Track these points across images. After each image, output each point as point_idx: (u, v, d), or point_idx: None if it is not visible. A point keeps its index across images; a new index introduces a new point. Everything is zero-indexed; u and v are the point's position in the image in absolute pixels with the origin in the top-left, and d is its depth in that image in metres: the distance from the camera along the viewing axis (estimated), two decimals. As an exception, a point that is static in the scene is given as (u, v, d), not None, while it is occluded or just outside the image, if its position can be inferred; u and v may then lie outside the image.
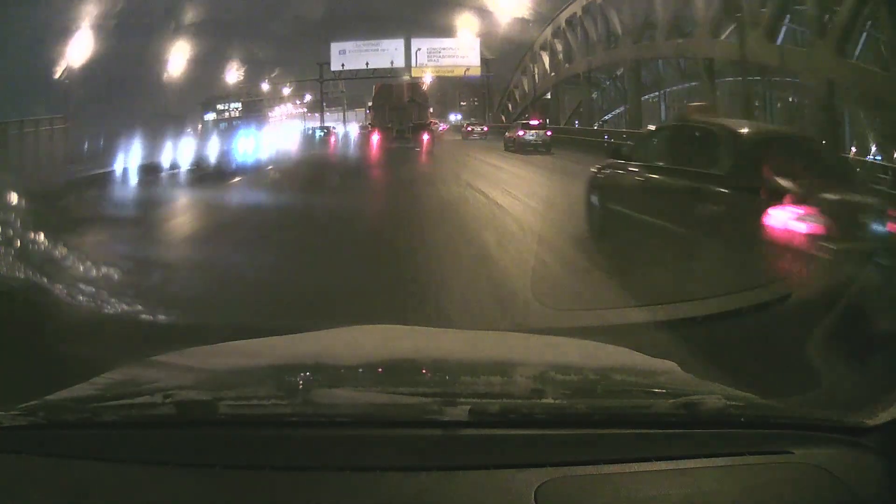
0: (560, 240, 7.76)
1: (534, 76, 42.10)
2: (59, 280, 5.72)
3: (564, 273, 6.28)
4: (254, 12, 41.43)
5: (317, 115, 53.10)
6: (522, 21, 40.22)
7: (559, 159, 21.06)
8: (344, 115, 57.38)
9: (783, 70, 20.14)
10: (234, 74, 48.23)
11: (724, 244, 5.06)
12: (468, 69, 48.55)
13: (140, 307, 4.86)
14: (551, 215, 9.27)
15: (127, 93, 28.55)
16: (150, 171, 18.18)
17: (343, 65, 48.02)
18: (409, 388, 1.70)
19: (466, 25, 46.30)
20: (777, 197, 4.80)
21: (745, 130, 6.25)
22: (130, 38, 28.47)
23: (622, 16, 29.67)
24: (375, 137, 31.38)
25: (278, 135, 39.73)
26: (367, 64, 47.40)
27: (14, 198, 9.66)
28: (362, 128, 45.92)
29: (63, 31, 24.38)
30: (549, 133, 25.83)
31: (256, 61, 47.84)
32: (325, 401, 1.50)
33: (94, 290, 5.40)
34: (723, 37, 22.34)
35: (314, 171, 20.57)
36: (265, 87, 54.20)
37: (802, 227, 4.64)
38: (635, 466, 1.34)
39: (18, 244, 6.78)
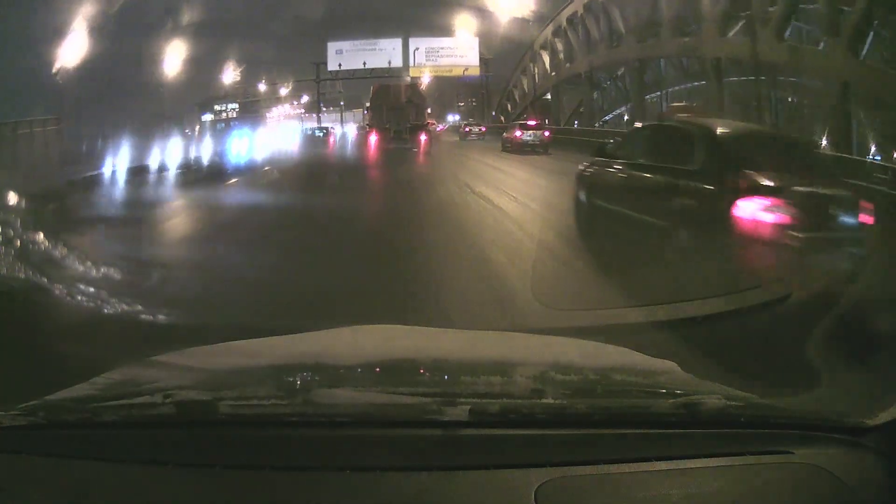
0: (558, 240, 7.76)
1: (534, 76, 41.80)
2: (58, 280, 5.72)
3: (564, 273, 6.28)
4: (251, 13, 41.46)
5: (314, 115, 52.95)
6: (522, 20, 40.06)
7: (557, 160, 21.04)
8: (341, 116, 57.27)
9: (793, 69, 19.82)
10: (231, 75, 48.18)
11: (698, 235, 5.36)
12: (467, 69, 48.30)
13: (140, 307, 4.85)
14: (548, 215, 9.28)
15: (123, 93, 28.57)
16: (144, 172, 18.11)
17: (340, 64, 47.74)
18: (409, 388, 1.70)
19: (465, 25, 46.07)
20: (746, 189, 5.06)
21: (716, 128, 6.54)
22: (126, 38, 28.49)
23: (625, 14, 29.28)
24: (373, 138, 31.49)
25: (276, 135, 39.58)
26: (364, 64, 47.14)
27: (7, 199, 9.63)
28: (360, 128, 45.84)
29: (58, 32, 24.35)
30: (546, 133, 25.81)
31: (254, 62, 47.83)
32: (325, 401, 1.50)
33: (93, 289, 5.40)
34: (730, 35, 21.97)
35: (312, 171, 20.55)
36: (262, 87, 54.08)
37: (770, 218, 4.92)
38: (635, 466, 1.34)
39: (18, 244, 6.78)
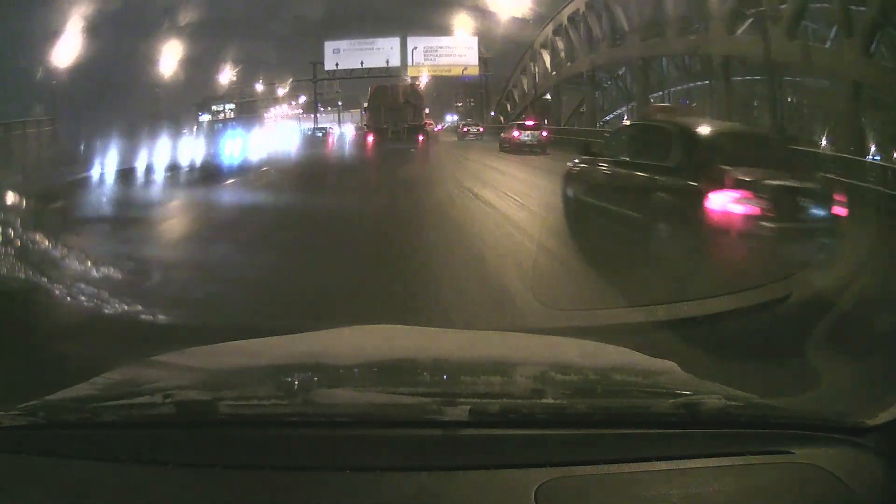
0: (557, 240, 7.77)
1: (534, 75, 41.29)
2: (57, 280, 5.72)
3: (563, 273, 6.28)
4: (248, 12, 41.33)
5: (312, 115, 52.71)
6: (522, 20, 39.79)
7: (555, 160, 21.01)
8: (339, 116, 56.99)
9: (805, 69, 19.27)
10: (229, 75, 47.99)
11: (676, 227, 5.70)
12: (466, 68, 47.91)
13: (140, 307, 4.85)
14: (546, 215, 9.28)
15: (119, 94, 28.47)
16: (139, 173, 18.08)
17: (337, 64, 47.29)
18: (409, 388, 1.70)
19: (464, 24, 45.81)
20: (717, 183, 5.39)
21: (692, 127, 6.97)
22: (122, 39, 28.42)
23: (629, 12, 28.72)
24: (371, 138, 31.53)
25: (274, 136, 39.47)
26: (361, 63, 46.73)
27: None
28: (358, 129, 45.69)
29: (53, 33, 24.26)
30: (544, 133, 25.80)
31: (251, 61, 47.63)
32: (325, 401, 1.50)
33: (93, 289, 5.40)
34: (738, 33, 21.51)
35: (311, 172, 20.54)
36: (260, 88, 53.85)
37: (740, 209, 5.26)
38: (635, 466, 1.34)
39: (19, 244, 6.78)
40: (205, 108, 52.75)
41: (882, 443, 1.41)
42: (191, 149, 24.81)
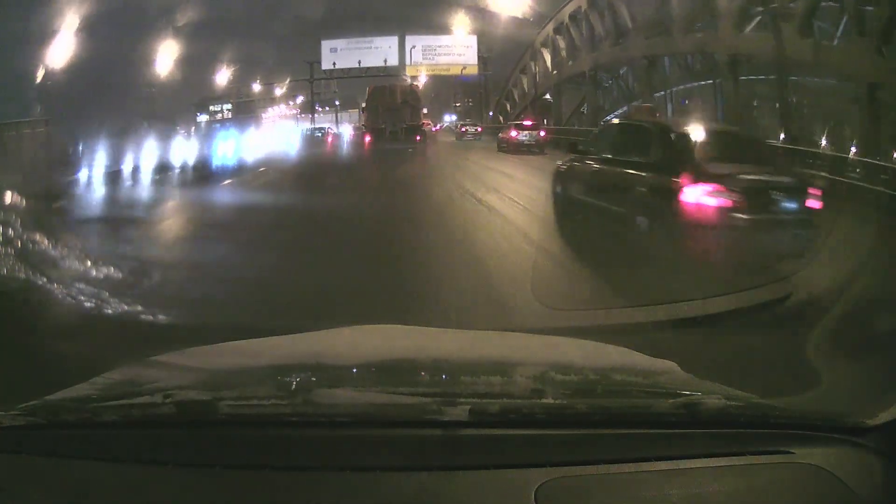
0: (555, 240, 7.78)
1: (534, 75, 40.78)
2: (57, 280, 5.72)
3: (563, 273, 6.28)
4: (246, 12, 41.03)
5: (310, 115, 52.42)
6: (521, 19, 39.49)
7: (553, 160, 20.94)
8: (336, 116, 56.63)
9: (817, 68, 18.62)
10: (226, 75, 47.71)
11: (654, 219, 6.05)
12: (465, 68, 47.30)
13: (140, 307, 4.85)
14: (543, 215, 9.29)
15: (116, 94, 28.37)
16: (133, 174, 17.99)
17: (334, 63, 46.63)
18: (409, 388, 1.70)
19: (463, 24, 45.48)
20: (692, 177, 5.74)
21: (670, 126, 7.60)
22: (118, 39, 28.29)
23: (632, 10, 28.10)
24: (369, 138, 31.57)
25: (272, 136, 39.34)
26: (359, 62, 46.10)
27: None
28: (356, 129, 45.46)
29: (48, 33, 24.13)
30: (542, 133, 25.80)
31: (248, 61, 47.20)
32: (325, 401, 1.50)
33: (93, 289, 5.40)
34: (746, 31, 20.97)
35: (307, 172, 20.46)
36: (257, 88, 53.55)
37: (713, 202, 5.59)
38: (635, 466, 1.34)
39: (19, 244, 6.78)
40: (203, 108, 52.57)
41: (882, 443, 1.41)
42: (187, 149, 24.69)
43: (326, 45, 46.34)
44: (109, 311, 4.90)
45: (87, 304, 5.09)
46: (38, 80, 24.05)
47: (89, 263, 6.36)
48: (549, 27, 37.96)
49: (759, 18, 20.66)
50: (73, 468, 1.36)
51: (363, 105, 36.00)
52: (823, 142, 19.09)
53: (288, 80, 51.88)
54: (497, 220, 9.55)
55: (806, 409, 1.69)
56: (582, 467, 1.33)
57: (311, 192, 14.01)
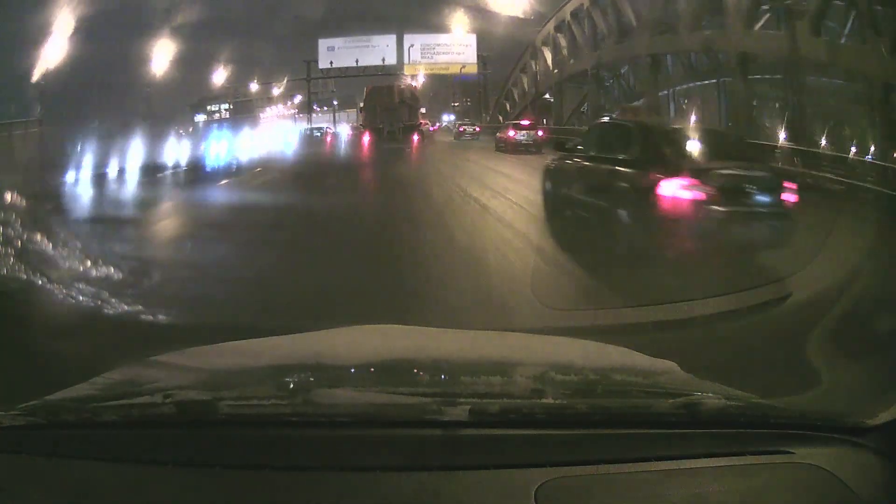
0: (553, 239, 7.80)
1: (535, 74, 40.23)
2: (57, 280, 5.72)
3: (562, 273, 6.28)
4: (243, 12, 40.78)
5: (311, 116, 52.06)
6: (521, 18, 39.21)
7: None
8: (334, 116, 56.15)
9: (830, 68, 18.00)
10: (223, 75, 47.35)
11: (634, 212, 6.40)
12: (464, 66, 46.40)
13: (140, 307, 4.85)
14: (539, 213, 9.32)
15: (112, 95, 28.27)
16: (131, 174, 17.90)
17: (332, 62, 45.72)
18: (409, 388, 1.70)
19: (463, 23, 45.18)
20: (668, 172, 6.10)
21: (650, 125, 8.17)
22: (113, 39, 28.17)
23: (637, 7, 27.41)
24: (367, 138, 31.66)
25: (269, 135, 39.21)
26: (356, 61, 45.21)
27: None
28: (354, 129, 45.17)
29: (42, 33, 24.02)
30: (540, 133, 25.80)
31: (246, 61, 46.65)
32: (325, 401, 1.50)
33: (93, 289, 5.40)
34: (755, 28, 20.42)
35: (305, 172, 20.32)
36: (255, 87, 53.12)
37: (688, 195, 5.95)
38: (635, 466, 1.34)
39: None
40: (200, 108, 52.28)
41: (882, 443, 1.41)
42: (183, 149, 24.58)
43: (324, 43, 45.34)
44: (109, 311, 4.90)
45: (87, 304, 5.09)
46: (33, 80, 23.96)
47: (83, 264, 6.35)
48: (551, 25, 37.39)
49: (767, 16, 20.24)
50: (73, 468, 1.36)
51: (361, 105, 36.04)
52: (825, 142, 18.91)
53: (286, 79, 51.53)
54: (495, 218, 9.57)
55: (806, 409, 1.69)
56: (582, 467, 1.33)
57: (310, 192, 13.97)
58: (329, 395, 1.54)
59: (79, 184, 15.92)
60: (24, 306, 5.01)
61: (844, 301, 4.09)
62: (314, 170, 20.88)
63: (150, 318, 4.61)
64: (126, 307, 4.93)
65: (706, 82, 26.50)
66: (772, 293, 4.55)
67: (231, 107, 52.65)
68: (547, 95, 39.70)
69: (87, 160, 18.08)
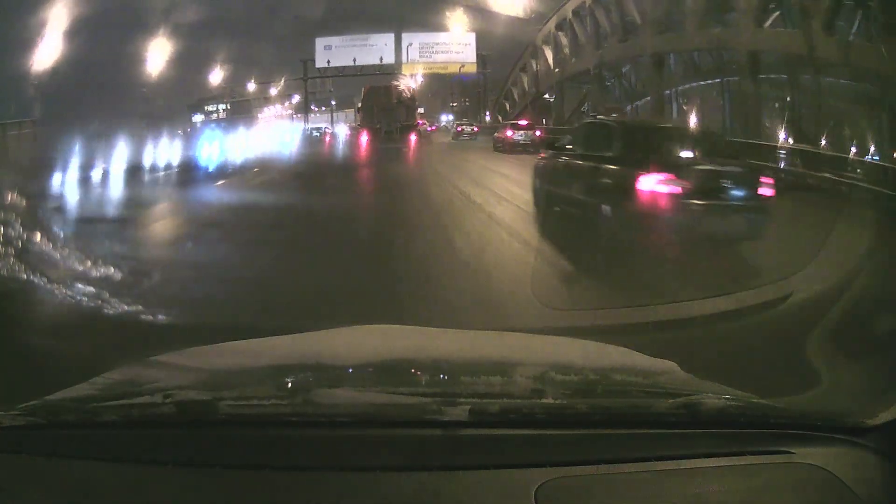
0: (551, 239, 7.80)
1: (535, 73, 39.65)
2: (57, 280, 5.72)
3: (562, 273, 6.28)
4: (241, 12, 40.57)
5: (308, 116, 51.70)
6: (521, 18, 38.90)
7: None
8: (332, 116, 55.80)
9: (843, 68, 17.39)
10: (221, 75, 47.12)
11: (616, 206, 6.74)
12: (463, 66, 45.52)
13: (140, 307, 4.85)
14: (536, 212, 9.35)
15: (108, 95, 28.22)
16: (128, 173, 17.75)
17: (329, 61, 45.02)
18: (409, 388, 1.70)
19: (462, 21, 44.78)
20: (647, 168, 6.43)
21: (631, 124, 9.35)
22: (109, 39, 28.15)
23: (641, 4, 26.75)
24: (364, 138, 31.75)
25: (267, 135, 39.06)
26: (354, 60, 44.58)
27: None
28: (352, 129, 44.92)
29: (38, 33, 23.94)
30: (537, 133, 25.79)
31: (244, 61, 46.46)
32: (325, 401, 1.50)
33: (93, 289, 5.40)
34: (765, 26, 19.94)
35: (303, 172, 20.28)
36: (252, 87, 52.73)
37: (665, 189, 6.31)
38: (635, 466, 1.34)
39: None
40: (198, 108, 52.04)
41: (882, 443, 1.41)
42: (180, 149, 24.48)
43: (321, 42, 44.63)
44: (109, 311, 4.90)
45: (87, 304, 5.09)
46: (29, 80, 23.88)
47: (79, 264, 6.34)
48: (552, 24, 36.79)
49: (776, 14, 19.87)
50: (73, 468, 1.36)
51: (359, 105, 36.07)
52: (831, 143, 18.73)
53: (283, 79, 51.19)
54: (492, 218, 9.60)
55: (806, 409, 1.69)
56: (582, 467, 1.33)
57: (309, 192, 13.95)
58: (329, 395, 1.54)
59: (72, 184, 15.85)
60: (24, 306, 5.01)
61: (844, 301, 4.09)
62: (312, 170, 20.87)
63: (150, 318, 4.61)
64: (126, 307, 4.92)
65: (709, 82, 26.23)
66: (772, 293, 4.56)
67: (229, 107, 52.44)
68: (546, 95, 39.43)
69: (83, 160, 17.98)
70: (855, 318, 3.93)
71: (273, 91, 52.93)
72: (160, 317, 4.60)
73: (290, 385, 1.77)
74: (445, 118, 55.95)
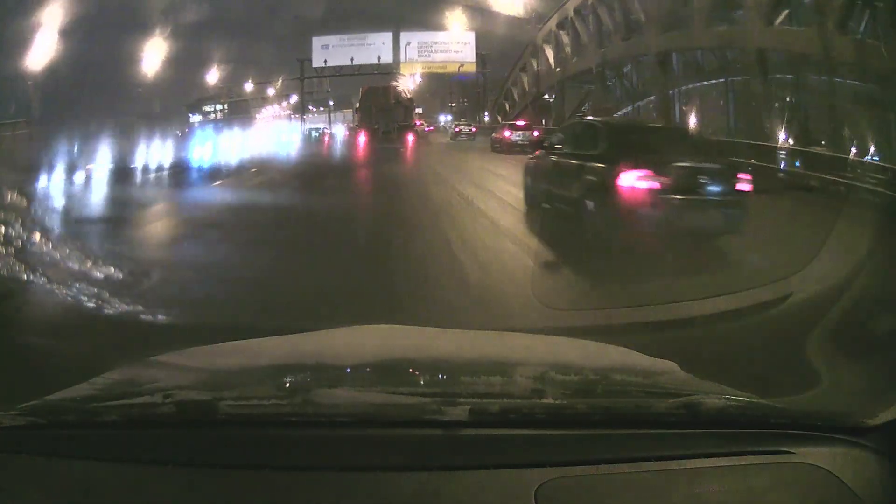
0: (549, 239, 7.81)
1: (535, 73, 39.08)
2: (57, 280, 5.71)
3: (561, 273, 6.28)
4: (238, 12, 40.28)
5: (306, 116, 51.26)
6: (521, 17, 38.73)
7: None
8: (329, 116, 55.46)
9: (859, 69, 16.60)
10: (218, 75, 46.73)
11: (599, 202, 7.13)
12: (462, 65, 44.84)
13: (140, 307, 4.85)
14: (534, 212, 9.37)
15: (104, 95, 28.15)
16: (125, 174, 17.73)
17: (326, 61, 44.21)
18: (409, 388, 1.71)
19: (461, 21, 44.38)
20: (627, 165, 6.81)
21: (614, 123, 10.08)
22: (107, 39, 27.99)
23: (646, 2, 26.07)
24: (362, 138, 31.79)
25: (265, 136, 38.95)
26: (351, 59, 43.81)
27: None
28: (349, 129, 44.65)
29: (33, 32, 23.83)
30: (535, 133, 25.76)
31: (242, 61, 46.17)
32: (325, 401, 1.50)
33: (93, 289, 5.39)
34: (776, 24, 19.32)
35: (301, 173, 20.26)
36: (249, 87, 52.43)
37: (644, 185, 6.71)
38: (635, 466, 1.34)
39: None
40: (196, 108, 51.81)
41: (882, 443, 1.41)
42: (178, 149, 24.40)
43: (318, 41, 43.88)
44: (109, 311, 4.90)
45: (88, 304, 5.09)
46: (24, 80, 23.80)
47: (78, 264, 6.33)
48: (553, 22, 36.23)
49: (785, 12, 19.29)
50: (73, 468, 1.36)
51: (357, 105, 36.06)
52: (839, 144, 18.53)
53: (280, 79, 50.84)
54: (490, 219, 9.61)
55: (806, 409, 1.70)
56: (582, 467, 1.33)
57: (307, 193, 13.96)
58: (329, 395, 1.54)
59: (68, 185, 15.82)
60: (23, 306, 5.01)
61: (844, 301, 4.08)
62: (310, 170, 20.84)
63: (150, 318, 4.61)
64: (126, 307, 4.92)
65: (713, 82, 25.98)
66: (772, 293, 4.55)
67: (227, 107, 52.25)
68: (546, 96, 39.13)
69: (79, 161, 17.91)
70: (855, 318, 3.93)
71: (271, 91, 52.68)
72: (160, 317, 4.60)
73: (290, 385, 1.77)
74: (444, 118, 55.67)
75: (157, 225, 10.29)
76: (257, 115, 53.87)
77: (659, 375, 1.90)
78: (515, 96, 42.92)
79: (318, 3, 41.00)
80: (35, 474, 1.36)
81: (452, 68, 46.03)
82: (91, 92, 26.50)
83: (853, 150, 15.53)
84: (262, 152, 26.87)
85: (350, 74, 44.09)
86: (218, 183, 17.03)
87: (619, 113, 34.91)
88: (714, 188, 6.89)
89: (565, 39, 35.01)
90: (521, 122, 27.48)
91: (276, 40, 44.61)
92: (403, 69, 44.69)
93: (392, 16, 43.52)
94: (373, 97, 33.50)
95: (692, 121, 23.74)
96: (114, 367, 1.96)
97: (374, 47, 44.29)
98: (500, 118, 42.55)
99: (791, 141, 17.58)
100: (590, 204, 7.24)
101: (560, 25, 35.51)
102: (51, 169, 16.79)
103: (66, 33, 25.10)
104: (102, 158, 18.72)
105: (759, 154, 15.69)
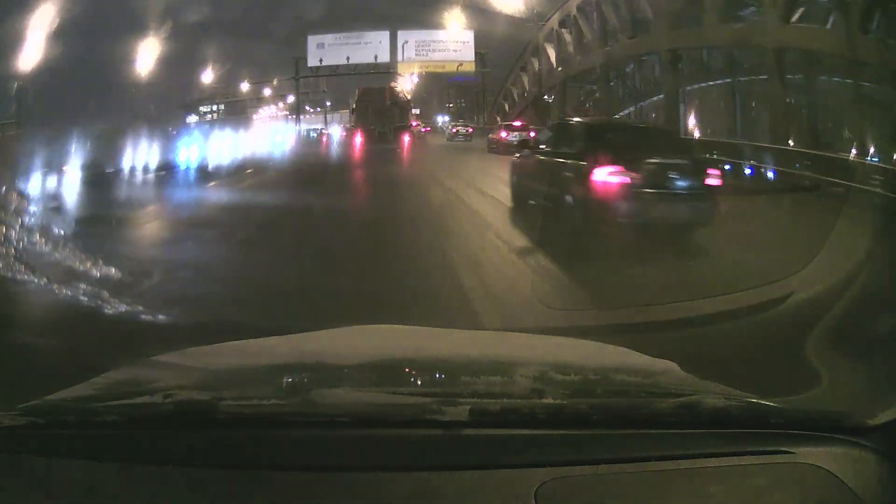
0: (548, 239, 7.82)
1: (536, 72, 38.45)
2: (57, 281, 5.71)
3: (561, 273, 6.27)
4: (235, 12, 40.22)
5: (302, 116, 50.77)
6: (521, 17, 38.47)
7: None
8: (325, 117, 55.05)
9: (881, 71, 15.98)
10: (214, 75, 46.42)
11: (575, 197, 7.68)
12: (461, 64, 44.13)
13: (140, 307, 4.85)
14: (533, 211, 9.39)
15: (101, 96, 28.07)
16: (120, 175, 17.67)
17: (321, 60, 43.44)
18: (409, 388, 1.71)
19: (459, 20, 43.64)
20: (601, 162, 7.32)
21: (591, 123, 11.02)
22: (103, 40, 27.98)
23: None
24: (358, 139, 31.77)
25: (262, 136, 38.78)
26: (347, 59, 43.07)
27: None
28: (346, 129, 44.33)
29: (24, 33, 23.74)
30: (531, 134, 25.70)
31: (238, 61, 45.61)
32: (325, 401, 1.50)
33: (93, 289, 5.39)
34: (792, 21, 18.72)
35: (299, 173, 20.18)
36: (246, 87, 51.99)
37: (616, 180, 7.20)
38: (635, 466, 1.34)
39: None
40: (192, 109, 51.54)
41: (882, 443, 1.41)
42: (173, 150, 24.27)
43: (313, 40, 42.99)
44: (109, 311, 4.90)
45: (88, 304, 5.09)
46: (17, 81, 23.72)
47: (77, 264, 6.32)
48: (554, 21, 35.36)
49: (801, 10, 18.85)
50: (73, 468, 1.36)
51: (353, 106, 36.00)
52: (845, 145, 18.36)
53: (275, 79, 50.43)
54: (488, 219, 9.67)
55: (806, 409, 1.69)
56: (582, 467, 1.33)
57: (306, 193, 13.87)
58: (329, 395, 1.54)
59: (62, 185, 15.74)
60: (23, 306, 5.01)
61: (844, 301, 4.08)
62: (306, 171, 20.76)
63: (150, 318, 4.61)
64: (126, 307, 4.92)
65: (719, 82, 25.65)
66: (772, 293, 4.56)
67: (222, 108, 52.02)
68: (546, 96, 38.75)
69: (71, 161, 17.73)
70: (855, 319, 3.93)
71: (267, 91, 52.41)
72: (160, 317, 4.60)
73: (289, 385, 1.77)
74: (441, 119, 55.34)
75: (150, 226, 10.26)
76: (254, 116, 53.62)
77: (659, 375, 1.90)
78: (515, 96, 42.37)
79: (314, 2, 40.77)
80: (35, 474, 1.36)
81: (451, 68, 45.19)
82: (85, 93, 26.39)
83: (854, 151, 15.49)
84: (258, 153, 26.81)
85: (346, 74, 43.31)
86: (213, 184, 17.00)
87: (621, 113, 34.91)
88: (683, 183, 7.37)
89: (568, 38, 34.15)
90: (517, 123, 27.36)
91: (273, 40, 44.35)
92: (401, 68, 44.07)
93: (389, 14, 42.89)
94: (369, 98, 33.45)
95: (696, 121, 23.58)
96: (114, 367, 1.96)
97: (370, 46, 43.46)
98: (499, 119, 42.01)
99: (791, 143, 17.52)
100: (568, 199, 7.74)
101: (562, 23, 34.63)
102: (40, 169, 16.71)
103: (58, 34, 24.96)
104: (94, 159, 18.59)
105: (759, 154, 15.67)
